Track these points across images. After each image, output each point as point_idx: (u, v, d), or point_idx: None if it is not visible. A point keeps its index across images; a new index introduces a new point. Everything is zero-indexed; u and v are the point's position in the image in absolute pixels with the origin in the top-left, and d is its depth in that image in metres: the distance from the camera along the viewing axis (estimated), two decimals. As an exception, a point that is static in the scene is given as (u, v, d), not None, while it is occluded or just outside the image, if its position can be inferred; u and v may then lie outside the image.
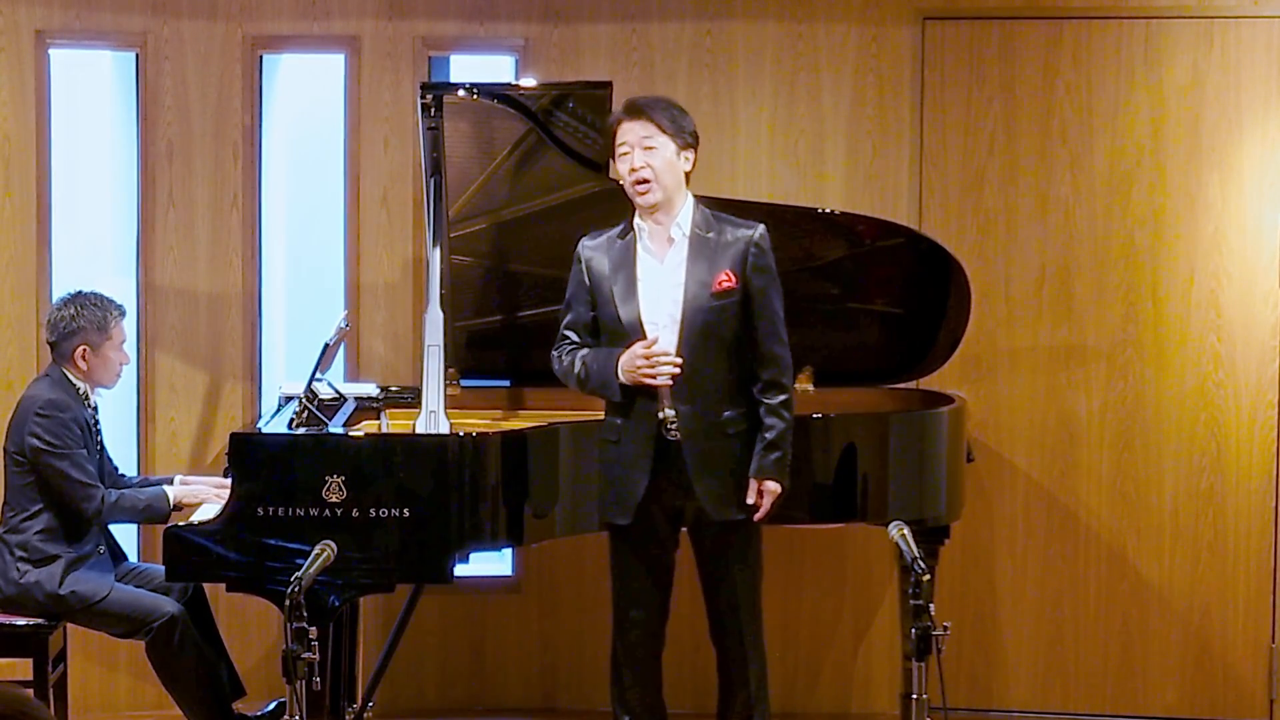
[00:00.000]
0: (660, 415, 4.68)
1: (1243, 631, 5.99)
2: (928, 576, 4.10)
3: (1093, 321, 5.97)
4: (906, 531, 4.25)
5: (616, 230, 4.80)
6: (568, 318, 4.84)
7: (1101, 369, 5.97)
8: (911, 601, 4.07)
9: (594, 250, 4.79)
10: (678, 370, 4.65)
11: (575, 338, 4.82)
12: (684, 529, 4.85)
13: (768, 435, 4.71)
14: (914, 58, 5.96)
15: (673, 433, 4.69)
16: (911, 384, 5.75)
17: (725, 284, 4.68)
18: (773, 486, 4.71)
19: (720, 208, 5.01)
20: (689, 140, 4.74)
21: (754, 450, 4.71)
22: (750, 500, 4.71)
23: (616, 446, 4.75)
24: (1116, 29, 5.92)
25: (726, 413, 4.71)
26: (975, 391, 5.91)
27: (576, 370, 4.77)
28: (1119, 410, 5.97)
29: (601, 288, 4.75)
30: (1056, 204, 5.95)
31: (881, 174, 5.98)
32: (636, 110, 4.73)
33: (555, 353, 4.85)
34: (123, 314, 5.24)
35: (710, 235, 4.72)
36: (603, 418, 4.91)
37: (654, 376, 4.64)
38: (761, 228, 4.76)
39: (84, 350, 5.15)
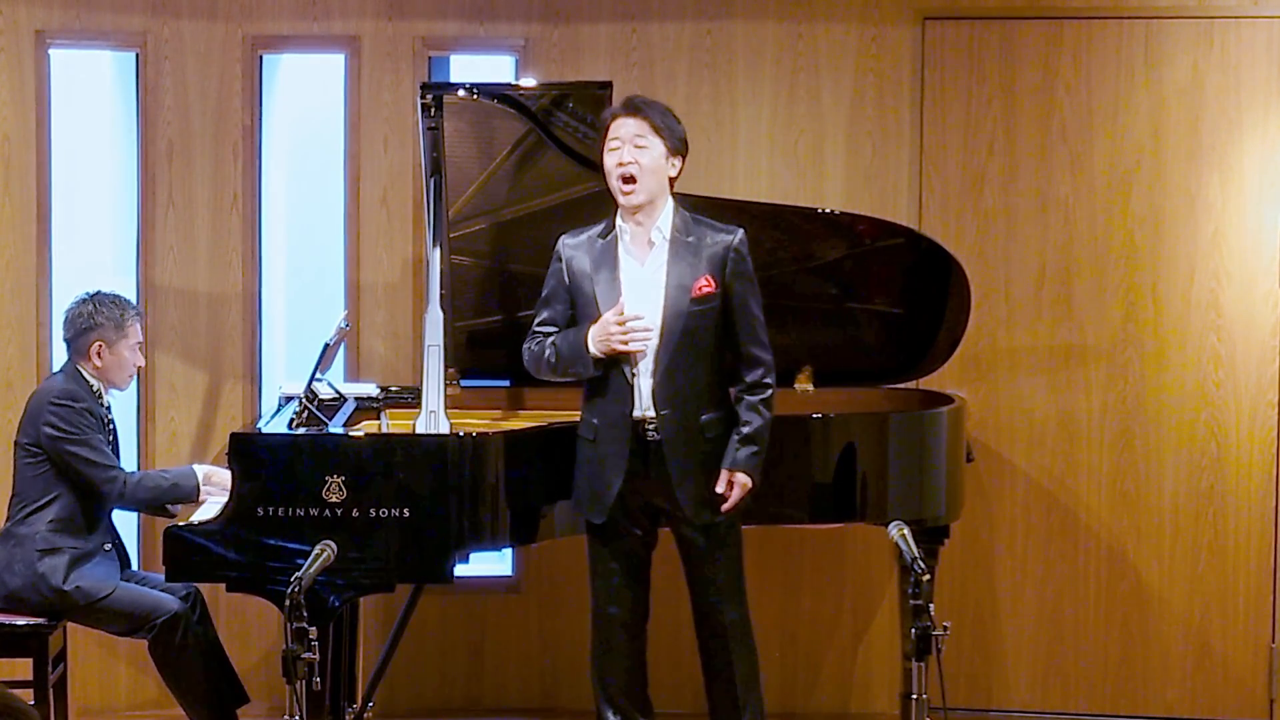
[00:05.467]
0: (638, 415, 4.67)
1: (1243, 631, 5.99)
2: (927, 576, 4.11)
3: (1093, 321, 5.97)
4: (906, 531, 4.26)
5: (598, 229, 4.80)
6: (543, 314, 4.83)
7: (1101, 369, 5.97)
8: (911, 601, 4.08)
9: (574, 249, 4.79)
10: (649, 337, 4.64)
11: (547, 331, 4.81)
12: (664, 528, 4.85)
13: (744, 430, 4.71)
14: (914, 58, 5.96)
15: (652, 433, 4.69)
16: (911, 384, 5.75)
17: (705, 289, 4.69)
18: (744, 479, 4.69)
19: (718, 208, 5.02)
20: (679, 146, 4.75)
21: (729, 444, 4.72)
22: (720, 489, 4.69)
23: (593, 445, 4.74)
24: (1116, 29, 5.92)
25: (704, 416, 4.71)
26: (975, 391, 5.91)
27: (546, 354, 4.76)
28: (1119, 410, 5.97)
29: (583, 287, 4.75)
30: (1056, 204, 5.95)
31: (881, 174, 5.98)
32: (633, 108, 4.74)
33: (526, 345, 4.83)
34: (139, 315, 5.28)
35: (690, 239, 4.73)
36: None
37: (626, 343, 4.63)
38: (741, 233, 4.77)
39: (100, 346, 5.17)
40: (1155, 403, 5.96)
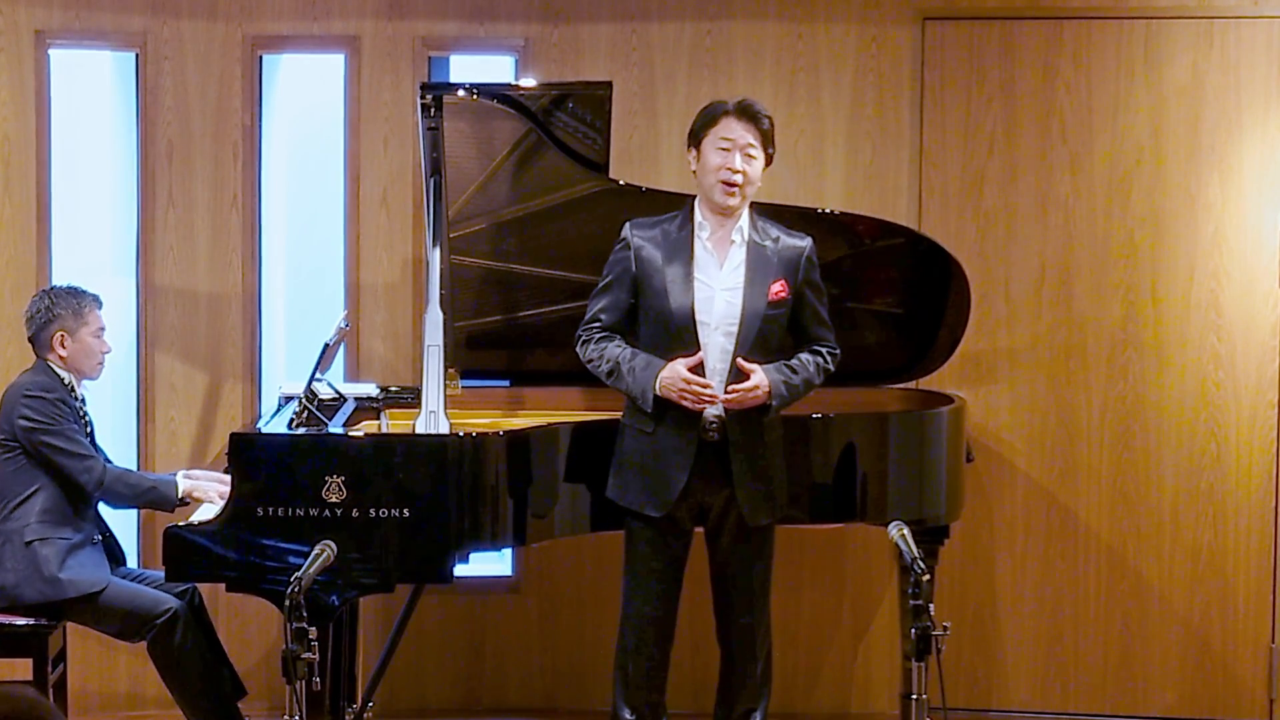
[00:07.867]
0: (710, 413, 4.66)
1: (1243, 631, 5.99)
2: (927, 576, 4.10)
3: (1093, 321, 5.97)
4: (906, 531, 4.26)
5: (671, 221, 4.78)
6: (603, 300, 4.78)
7: (1101, 369, 5.97)
8: (911, 601, 4.08)
9: (645, 239, 4.76)
10: (715, 403, 4.65)
11: (607, 321, 4.77)
12: (698, 528, 4.85)
13: (793, 362, 4.74)
14: (914, 58, 5.96)
15: (711, 433, 4.70)
16: (911, 384, 5.75)
17: (780, 294, 4.72)
18: (763, 379, 4.64)
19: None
20: (771, 160, 4.79)
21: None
22: (744, 384, 4.63)
23: (651, 438, 4.72)
24: (1116, 29, 5.93)
25: (766, 417, 4.73)
26: (975, 391, 5.91)
27: (606, 366, 4.73)
28: (1119, 410, 5.97)
29: (653, 278, 4.72)
30: (1056, 204, 5.96)
31: (881, 174, 5.99)
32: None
33: (581, 334, 4.80)
34: (98, 302, 5.28)
35: (767, 244, 4.75)
36: (603, 418, 4.91)
37: (682, 400, 4.62)
38: (811, 241, 4.82)
39: (62, 336, 5.18)
40: (1155, 403, 5.96)
